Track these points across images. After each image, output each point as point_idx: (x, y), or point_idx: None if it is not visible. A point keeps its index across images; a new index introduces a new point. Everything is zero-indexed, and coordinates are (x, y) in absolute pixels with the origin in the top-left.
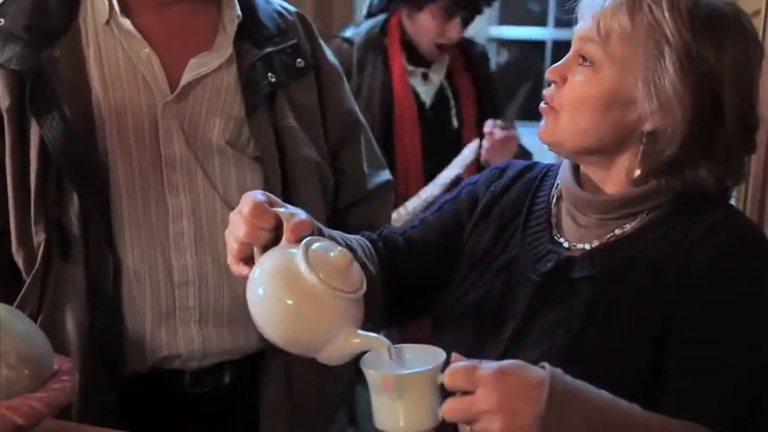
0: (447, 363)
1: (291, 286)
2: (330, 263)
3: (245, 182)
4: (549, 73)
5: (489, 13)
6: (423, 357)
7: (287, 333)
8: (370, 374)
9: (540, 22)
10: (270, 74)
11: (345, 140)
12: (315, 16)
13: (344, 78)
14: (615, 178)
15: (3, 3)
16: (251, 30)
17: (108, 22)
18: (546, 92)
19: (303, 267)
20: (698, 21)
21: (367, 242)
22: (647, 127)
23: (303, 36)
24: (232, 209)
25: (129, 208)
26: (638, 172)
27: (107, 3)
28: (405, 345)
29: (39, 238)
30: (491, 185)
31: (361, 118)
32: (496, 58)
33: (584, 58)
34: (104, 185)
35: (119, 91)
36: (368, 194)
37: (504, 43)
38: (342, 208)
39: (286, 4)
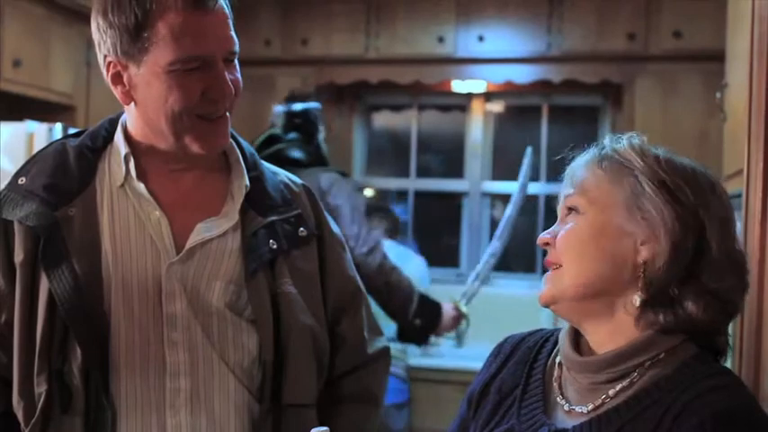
0: None
1: None
2: None
3: (243, 343)
4: (541, 239)
5: (482, 169)
6: None
7: None
8: None
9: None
10: (271, 240)
11: (346, 309)
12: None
13: (347, 249)
14: (611, 339)
15: (26, 162)
16: (257, 199)
17: (122, 185)
18: (545, 259)
19: None
20: (665, 162)
21: None
22: (642, 256)
23: (308, 207)
24: (229, 368)
25: (128, 363)
26: (641, 295)
27: (123, 168)
28: None
29: (40, 388)
30: (490, 365)
31: (362, 287)
32: (490, 211)
33: (570, 210)
34: (105, 340)
35: (126, 250)
36: (365, 361)
37: (497, 197)
38: (338, 375)
39: (293, 177)
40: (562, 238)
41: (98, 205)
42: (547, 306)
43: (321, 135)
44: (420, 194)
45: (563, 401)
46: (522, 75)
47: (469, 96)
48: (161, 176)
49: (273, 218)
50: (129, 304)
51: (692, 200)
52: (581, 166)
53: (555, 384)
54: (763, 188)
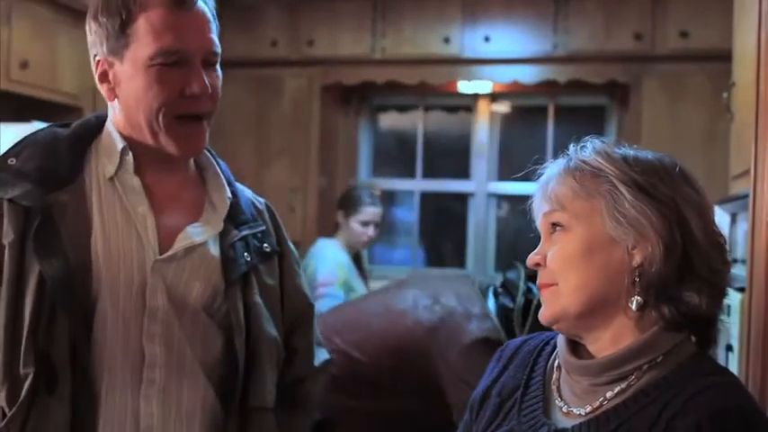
0: None
1: None
2: None
3: (212, 345)
4: (531, 260)
5: (488, 170)
6: None
7: None
8: None
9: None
10: (246, 254)
11: (299, 323)
12: (321, 173)
13: (300, 265)
14: (612, 345)
15: (16, 144)
16: (233, 212)
17: (112, 178)
18: (539, 281)
19: None
20: (633, 162)
21: None
22: (636, 260)
23: (269, 224)
24: (200, 365)
25: (109, 351)
26: (638, 299)
27: (117, 161)
28: None
29: (27, 369)
30: (492, 371)
31: (313, 303)
32: (497, 212)
33: (554, 227)
34: (90, 327)
35: (114, 242)
36: (312, 372)
37: (502, 197)
38: (288, 383)
39: (256, 195)
40: (553, 258)
41: (87, 196)
42: (549, 325)
43: None
44: (426, 195)
45: (561, 403)
46: (529, 75)
47: (476, 97)
48: (154, 172)
49: (246, 232)
50: (115, 294)
51: (669, 193)
52: (553, 179)
53: (554, 387)
54: None
